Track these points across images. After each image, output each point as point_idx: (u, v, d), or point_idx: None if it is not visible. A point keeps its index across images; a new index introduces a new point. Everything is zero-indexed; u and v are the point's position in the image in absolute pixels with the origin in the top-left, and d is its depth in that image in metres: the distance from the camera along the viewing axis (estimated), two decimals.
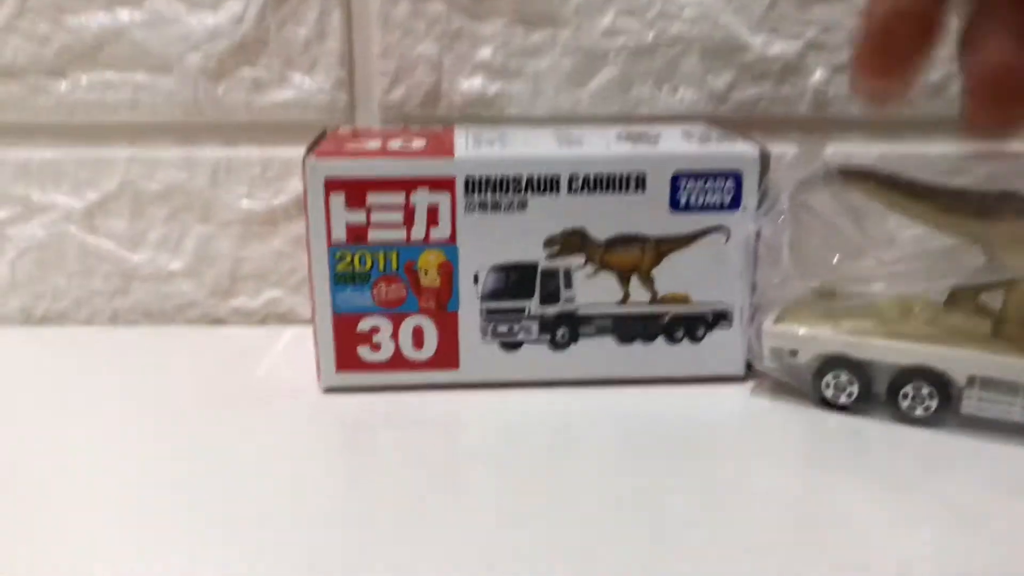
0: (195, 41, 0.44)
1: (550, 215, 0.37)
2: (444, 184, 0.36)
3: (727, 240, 0.38)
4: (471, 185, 0.36)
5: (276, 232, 0.46)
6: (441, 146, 0.37)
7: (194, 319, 0.47)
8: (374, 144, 0.38)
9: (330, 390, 0.38)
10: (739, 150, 0.38)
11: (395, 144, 0.38)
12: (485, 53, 0.44)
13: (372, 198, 0.36)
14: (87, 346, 0.45)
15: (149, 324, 0.48)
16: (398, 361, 0.38)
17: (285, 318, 0.47)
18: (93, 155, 0.46)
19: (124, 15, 0.44)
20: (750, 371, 0.39)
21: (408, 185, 0.36)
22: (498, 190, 0.36)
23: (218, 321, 0.47)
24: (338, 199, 0.36)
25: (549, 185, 0.37)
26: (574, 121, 0.44)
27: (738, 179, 0.37)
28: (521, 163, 0.36)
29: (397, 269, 0.37)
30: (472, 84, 0.45)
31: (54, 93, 0.45)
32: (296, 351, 0.43)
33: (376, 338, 0.38)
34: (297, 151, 0.45)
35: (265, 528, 0.28)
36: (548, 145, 0.38)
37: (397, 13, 0.44)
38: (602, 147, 0.37)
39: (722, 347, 0.39)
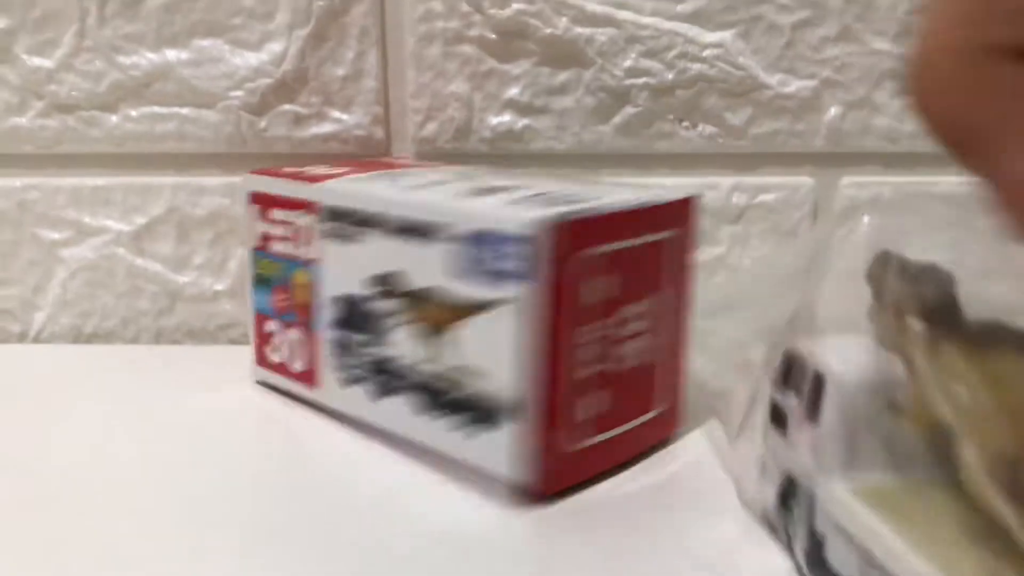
0: (239, 79, 0.46)
1: (378, 254, 0.36)
2: (313, 208, 0.38)
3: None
4: (329, 213, 0.38)
5: None
6: (328, 175, 0.40)
7: (236, 338, 0.50)
8: (320, 170, 0.41)
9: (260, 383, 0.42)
10: (531, 216, 0.31)
11: (323, 170, 0.41)
12: (513, 91, 0.46)
13: (275, 214, 0.40)
14: (133, 363, 0.47)
15: (192, 343, 0.50)
16: (284, 368, 0.41)
17: None
18: (141, 182, 0.48)
19: (172, 55, 0.46)
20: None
21: (298, 205, 0.39)
22: (344, 220, 0.37)
23: None
24: (254, 209, 0.41)
25: (376, 222, 0.36)
26: (597, 156, 0.46)
27: (532, 244, 0.31)
28: (360, 198, 0.36)
29: (286, 281, 0.40)
30: (501, 120, 0.47)
31: (106, 126, 0.47)
32: None
33: (274, 341, 0.41)
34: None
35: (308, 550, 0.30)
36: (395, 185, 0.37)
37: (430, 54, 0.46)
38: (424, 194, 0.35)
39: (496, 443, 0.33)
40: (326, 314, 0.38)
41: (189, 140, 0.48)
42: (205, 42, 0.46)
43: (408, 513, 0.32)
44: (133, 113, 0.47)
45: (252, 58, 0.46)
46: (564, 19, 0.45)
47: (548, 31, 0.46)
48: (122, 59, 0.47)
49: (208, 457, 0.37)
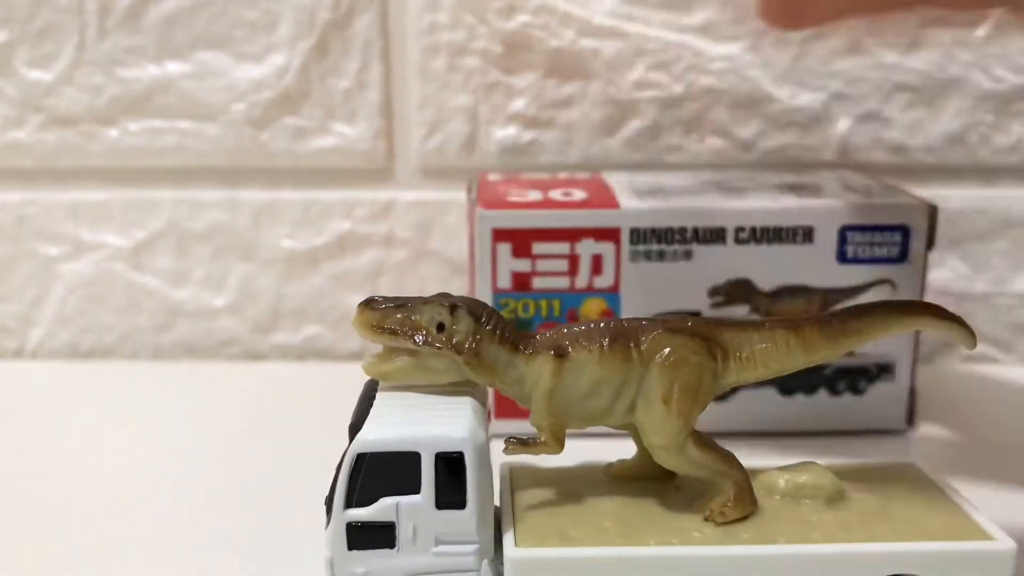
0: (240, 92, 0.46)
1: (715, 265, 0.38)
2: (609, 234, 0.37)
3: (893, 293, 0.38)
4: (636, 235, 0.37)
5: (317, 270, 0.48)
6: (603, 196, 0.39)
7: (235, 355, 0.49)
8: (535, 195, 0.39)
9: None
10: (907, 203, 0.38)
11: (555, 195, 0.39)
12: (519, 104, 0.46)
13: (537, 247, 0.38)
14: (131, 380, 0.46)
15: (191, 359, 0.49)
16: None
17: (324, 354, 0.49)
18: (140, 197, 0.48)
19: (173, 67, 0.46)
20: (911, 424, 0.40)
21: (573, 235, 0.37)
22: (663, 240, 0.37)
23: (259, 357, 0.49)
24: (505, 248, 0.37)
25: (715, 236, 0.37)
26: (604, 169, 0.46)
27: (906, 232, 0.38)
28: (687, 214, 0.37)
29: (560, 315, 0.38)
30: (506, 133, 0.46)
31: (105, 139, 0.47)
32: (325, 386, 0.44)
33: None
34: (338, 194, 0.47)
35: (308, 565, 0.30)
36: (712, 196, 0.39)
37: (435, 67, 0.45)
38: (768, 199, 0.38)
39: (884, 400, 0.39)
40: None
41: (189, 153, 0.47)
42: (207, 55, 0.46)
43: None
44: (133, 127, 0.47)
45: (254, 71, 0.46)
46: (570, 31, 0.45)
47: (554, 43, 0.45)
48: (122, 72, 0.46)
49: (208, 476, 0.36)
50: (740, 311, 0.38)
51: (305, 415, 0.42)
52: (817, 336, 0.26)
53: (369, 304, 0.26)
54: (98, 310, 0.49)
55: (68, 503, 0.34)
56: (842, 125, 0.46)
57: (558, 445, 0.26)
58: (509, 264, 0.38)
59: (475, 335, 0.26)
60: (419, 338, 0.26)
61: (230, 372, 0.47)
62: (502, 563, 0.25)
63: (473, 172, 0.45)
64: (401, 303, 0.26)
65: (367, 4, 0.45)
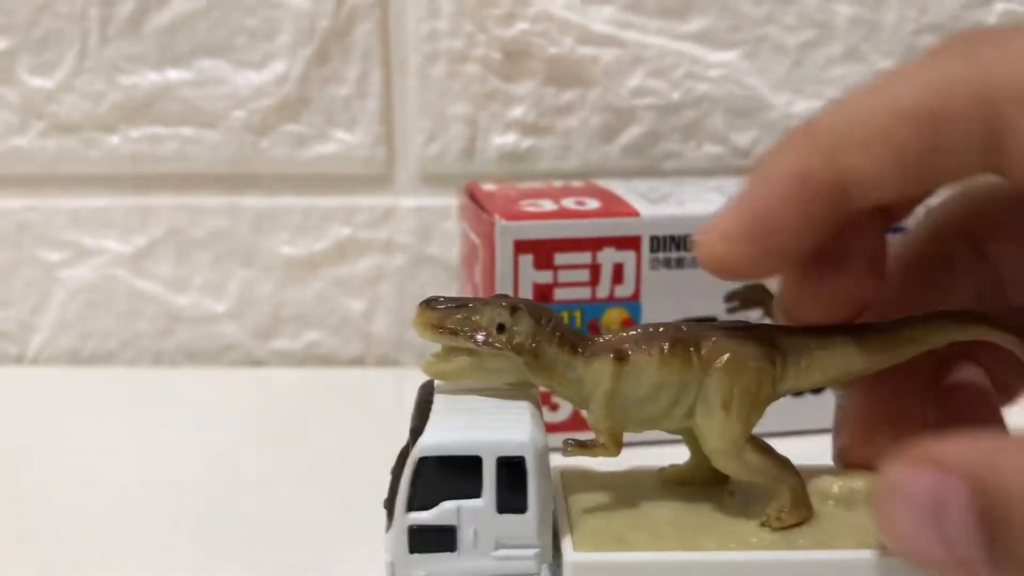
0: (241, 99, 0.46)
1: None
2: (630, 243, 0.37)
3: None
4: (656, 243, 0.38)
5: (317, 276, 0.48)
6: (618, 205, 0.38)
7: (236, 360, 0.49)
8: (549, 204, 0.38)
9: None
10: None
11: (569, 204, 0.39)
12: (518, 112, 0.46)
13: (560, 258, 0.38)
14: (132, 386, 0.47)
15: (192, 365, 0.50)
16: (578, 420, 0.38)
17: (325, 360, 0.49)
18: (141, 203, 0.48)
19: (173, 75, 0.46)
20: None
21: (595, 245, 0.37)
22: (682, 247, 0.38)
23: (259, 363, 0.49)
24: (526, 260, 0.37)
25: None
26: (603, 176, 0.46)
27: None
28: (704, 221, 0.37)
29: (581, 326, 0.38)
30: (505, 140, 0.46)
31: (106, 146, 0.47)
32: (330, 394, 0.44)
33: (555, 398, 0.38)
34: (338, 200, 0.48)
35: (308, 569, 0.30)
36: (721, 202, 0.39)
37: (434, 74, 0.46)
38: None
39: None
40: None
41: (189, 160, 0.47)
42: (207, 62, 0.46)
43: None
44: (134, 134, 0.47)
45: (255, 78, 0.46)
46: (569, 39, 0.45)
47: (553, 51, 0.45)
48: (123, 79, 0.46)
49: (209, 481, 0.36)
50: (754, 315, 0.38)
51: (305, 420, 0.42)
52: (876, 343, 0.26)
53: (430, 304, 0.26)
54: (99, 316, 0.49)
55: (69, 509, 0.34)
56: None
57: (616, 448, 0.26)
58: (531, 276, 0.37)
59: (535, 336, 0.26)
60: (479, 338, 0.26)
61: (230, 378, 0.48)
62: (560, 567, 0.25)
63: (472, 178, 0.45)
64: (461, 303, 0.26)
65: (367, 12, 0.45)
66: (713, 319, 0.38)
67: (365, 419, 0.41)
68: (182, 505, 0.34)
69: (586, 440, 0.26)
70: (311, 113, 0.46)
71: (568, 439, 0.26)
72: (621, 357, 0.25)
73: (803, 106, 0.46)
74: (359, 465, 0.38)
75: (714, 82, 0.46)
